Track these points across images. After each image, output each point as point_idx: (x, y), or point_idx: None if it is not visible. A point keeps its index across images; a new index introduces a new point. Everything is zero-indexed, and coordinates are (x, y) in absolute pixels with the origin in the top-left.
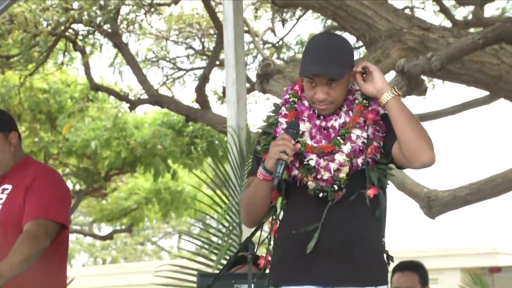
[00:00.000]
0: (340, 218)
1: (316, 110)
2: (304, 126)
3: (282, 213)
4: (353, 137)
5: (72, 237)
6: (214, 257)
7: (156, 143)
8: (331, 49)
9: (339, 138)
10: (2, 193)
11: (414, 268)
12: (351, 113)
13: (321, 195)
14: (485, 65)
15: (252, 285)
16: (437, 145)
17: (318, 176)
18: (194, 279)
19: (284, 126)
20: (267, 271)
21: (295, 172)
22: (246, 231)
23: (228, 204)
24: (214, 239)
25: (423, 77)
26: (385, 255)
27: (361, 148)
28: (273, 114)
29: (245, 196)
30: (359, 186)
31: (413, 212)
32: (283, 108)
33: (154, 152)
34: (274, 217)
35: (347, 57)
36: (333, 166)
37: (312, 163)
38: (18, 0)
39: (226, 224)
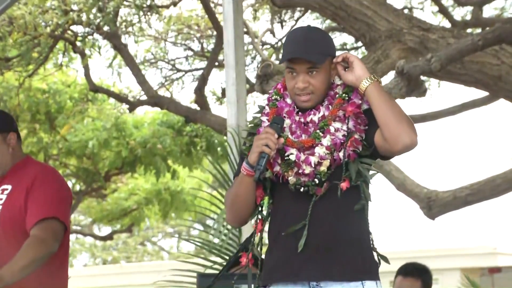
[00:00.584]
0: (324, 214)
1: (295, 107)
2: (284, 123)
3: (269, 212)
4: (332, 129)
5: (72, 237)
6: (213, 258)
7: (155, 142)
8: (309, 38)
9: (318, 131)
10: (2, 193)
11: (417, 274)
12: (330, 107)
13: (302, 189)
14: (485, 66)
15: (252, 285)
16: (437, 145)
17: (300, 171)
18: (194, 280)
19: (266, 124)
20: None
21: (277, 168)
22: (246, 232)
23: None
24: (214, 240)
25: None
26: (375, 254)
27: (341, 141)
28: (258, 115)
29: (229, 194)
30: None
31: (413, 212)
32: (266, 107)
33: (154, 151)
34: (260, 216)
35: (326, 46)
36: (313, 159)
37: (292, 157)
38: (17, 1)
39: (226, 223)
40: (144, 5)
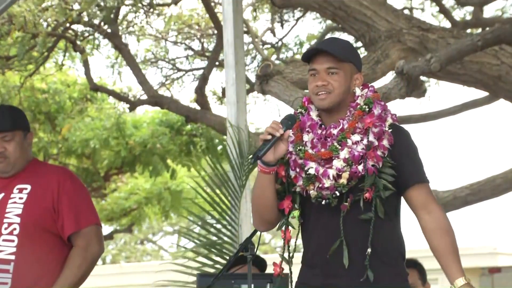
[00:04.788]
0: (350, 228)
1: (318, 122)
2: (307, 137)
3: (301, 225)
4: (349, 142)
5: None
6: (213, 257)
7: (154, 142)
8: (332, 39)
9: (335, 144)
10: (20, 192)
11: (413, 265)
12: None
13: (323, 202)
14: (485, 66)
15: (252, 285)
16: (437, 145)
17: (320, 185)
18: (194, 278)
19: (292, 139)
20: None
21: (300, 182)
22: (246, 232)
23: (227, 204)
24: (214, 238)
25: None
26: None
27: (361, 154)
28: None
29: (252, 193)
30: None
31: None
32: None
33: (153, 151)
34: (287, 225)
35: (349, 51)
36: (331, 172)
37: (311, 171)
38: (18, 0)
39: (226, 223)
40: (145, 4)
